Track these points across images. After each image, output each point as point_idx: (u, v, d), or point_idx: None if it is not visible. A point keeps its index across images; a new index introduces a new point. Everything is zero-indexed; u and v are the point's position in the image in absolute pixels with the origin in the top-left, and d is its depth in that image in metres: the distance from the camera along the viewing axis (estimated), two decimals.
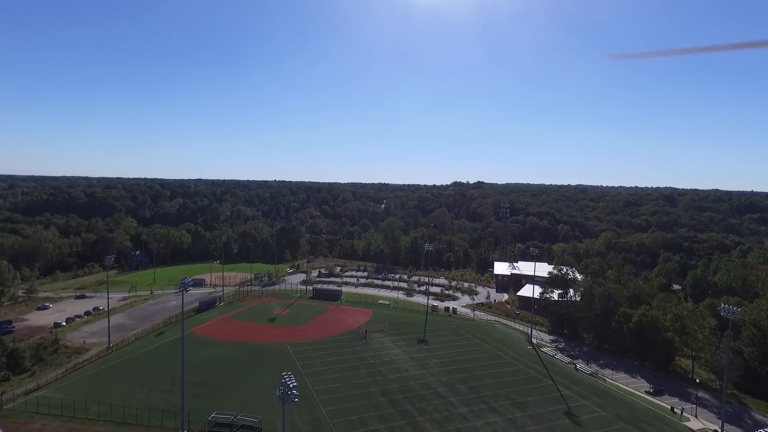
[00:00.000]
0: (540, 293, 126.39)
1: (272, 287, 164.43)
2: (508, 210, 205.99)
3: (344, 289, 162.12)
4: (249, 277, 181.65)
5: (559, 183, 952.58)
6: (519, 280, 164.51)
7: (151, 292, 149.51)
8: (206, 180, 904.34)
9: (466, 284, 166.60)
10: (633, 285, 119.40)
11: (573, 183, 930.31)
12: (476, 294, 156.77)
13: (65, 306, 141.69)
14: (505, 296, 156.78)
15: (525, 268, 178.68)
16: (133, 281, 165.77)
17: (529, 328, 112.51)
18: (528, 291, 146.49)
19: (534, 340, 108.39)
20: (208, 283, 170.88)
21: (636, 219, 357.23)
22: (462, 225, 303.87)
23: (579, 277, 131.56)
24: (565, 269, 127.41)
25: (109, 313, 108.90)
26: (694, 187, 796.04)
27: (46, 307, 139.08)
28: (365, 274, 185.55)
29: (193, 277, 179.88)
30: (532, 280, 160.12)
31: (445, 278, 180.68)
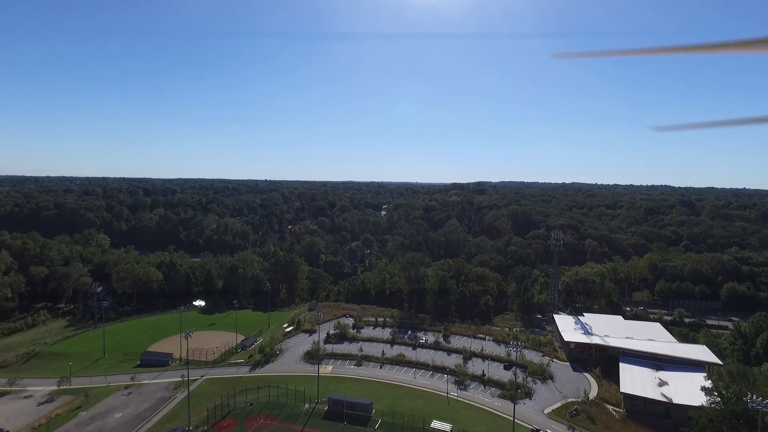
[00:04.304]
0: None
1: (265, 367, 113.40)
2: (561, 244, 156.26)
3: (366, 369, 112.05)
4: (234, 341, 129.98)
5: (553, 181, 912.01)
6: (604, 353, 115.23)
7: (86, 396, 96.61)
8: (195, 180, 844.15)
9: (533, 357, 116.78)
10: None
11: (568, 181, 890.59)
12: (551, 378, 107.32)
13: None
14: (590, 381, 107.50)
15: (599, 326, 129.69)
16: (68, 364, 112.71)
17: None
18: (635, 383, 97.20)
19: None
20: (178, 356, 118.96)
21: (663, 230, 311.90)
22: (481, 244, 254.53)
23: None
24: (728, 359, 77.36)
25: None
26: (689, 185, 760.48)
27: None
28: (388, 334, 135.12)
29: (157, 346, 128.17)
30: (625, 356, 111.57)
31: (494, 340, 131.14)
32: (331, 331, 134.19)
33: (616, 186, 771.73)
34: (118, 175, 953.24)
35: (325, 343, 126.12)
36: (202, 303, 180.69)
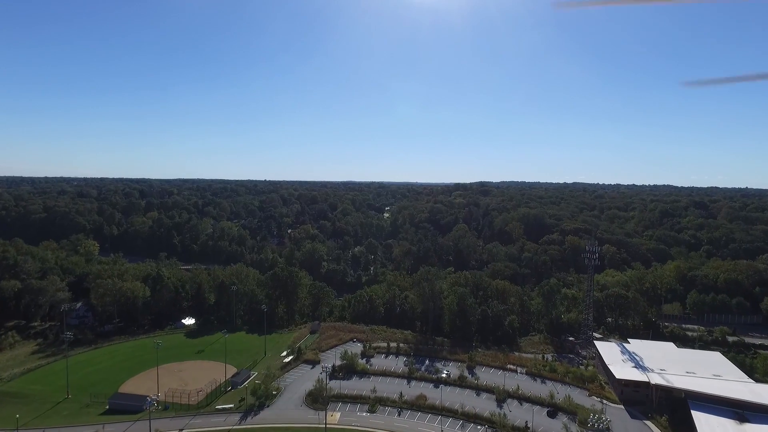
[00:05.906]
0: None
1: (260, 414, 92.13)
2: (596, 257, 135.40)
3: (381, 417, 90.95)
4: (224, 376, 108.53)
5: (555, 181, 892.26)
6: (666, 394, 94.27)
7: None
8: (193, 180, 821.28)
9: (578, 397, 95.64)
10: None
11: (569, 181, 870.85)
12: (609, 431, 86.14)
13: None
14: None
15: (651, 357, 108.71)
16: (24, 409, 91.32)
17: None
18: None
19: None
20: (156, 395, 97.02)
21: (681, 234, 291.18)
22: (494, 251, 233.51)
23: None
24: None
25: None
26: (691, 185, 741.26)
27: None
28: (403, 365, 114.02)
29: (132, 384, 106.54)
30: (696, 401, 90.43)
31: (528, 374, 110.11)
32: (337, 362, 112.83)
33: (618, 186, 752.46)
34: (116, 176, 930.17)
35: (330, 379, 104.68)
36: (192, 321, 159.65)
